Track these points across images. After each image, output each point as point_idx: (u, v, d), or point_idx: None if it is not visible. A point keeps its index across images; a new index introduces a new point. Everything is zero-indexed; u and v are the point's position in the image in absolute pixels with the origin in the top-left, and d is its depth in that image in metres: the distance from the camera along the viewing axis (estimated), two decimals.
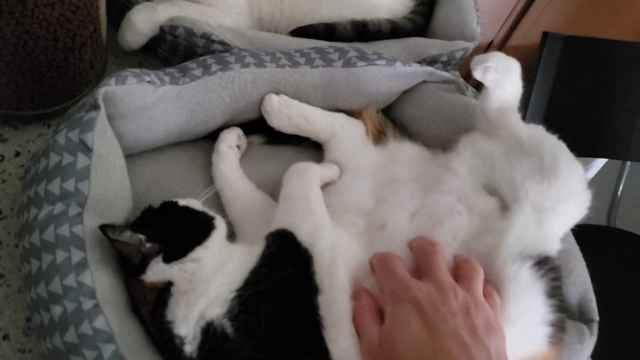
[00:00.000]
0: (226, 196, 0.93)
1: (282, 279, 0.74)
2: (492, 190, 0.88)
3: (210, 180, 0.97)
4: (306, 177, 0.87)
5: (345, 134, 1.01)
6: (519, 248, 0.78)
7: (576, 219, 0.87)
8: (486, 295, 0.72)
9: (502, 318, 0.72)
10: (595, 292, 0.92)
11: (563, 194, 0.83)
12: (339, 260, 0.75)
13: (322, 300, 0.73)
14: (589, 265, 0.94)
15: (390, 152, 0.98)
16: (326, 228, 0.79)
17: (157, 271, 0.75)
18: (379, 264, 0.74)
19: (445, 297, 0.68)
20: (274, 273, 0.74)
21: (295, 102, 1.01)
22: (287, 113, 0.99)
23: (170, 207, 0.83)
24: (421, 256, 0.75)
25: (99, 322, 0.70)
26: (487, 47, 2.54)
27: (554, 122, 0.93)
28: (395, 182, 0.91)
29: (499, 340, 0.68)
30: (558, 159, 0.84)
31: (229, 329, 0.70)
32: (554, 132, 0.91)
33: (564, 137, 0.89)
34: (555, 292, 0.79)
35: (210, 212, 0.84)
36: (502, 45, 2.93)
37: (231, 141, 0.98)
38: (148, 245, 0.76)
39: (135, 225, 0.80)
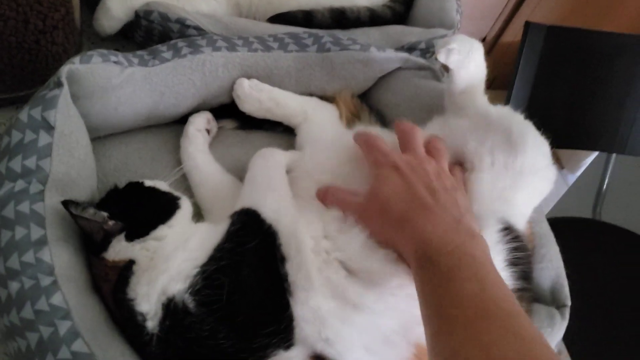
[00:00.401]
0: (194, 179, 0.93)
1: (246, 251, 0.74)
2: (457, 161, 0.88)
3: (179, 163, 0.96)
4: (270, 161, 0.89)
5: (317, 118, 1.01)
6: (484, 207, 0.80)
7: (543, 194, 0.89)
8: (452, 171, 0.83)
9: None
10: (571, 278, 0.91)
11: (528, 167, 0.84)
12: (301, 229, 0.78)
13: (290, 266, 0.74)
14: (574, 257, 0.94)
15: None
16: (289, 204, 0.82)
17: (119, 249, 0.75)
18: (365, 142, 0.84)
19: (420, 163, 0.79)
20: (238, 247, 0.75)
21: (266, 86, 1.01)
22: (258, 97, 0.99)
23: (135, 187, 0.83)
24: (402, 135, 0.85)
25: (57, 299, 0.70)
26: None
27: (536, 113, 0.92)
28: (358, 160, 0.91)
29: (464, 198, 0.78)
30: (526, 133, 0.85)
31: (190, 303, 0.70)
32: (537, 124, 0.91)
33: (547, 128, 0.89)
34: (518, 263, 0.80)
35: (176, 193, 0.84)
36: (495, 42, 2.93)
37: (200, 124, 0.98)
38: (111, 222, 0.75)
39: (100, 204, 0.80)
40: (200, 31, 1.09)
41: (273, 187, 0.84)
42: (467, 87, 0.91)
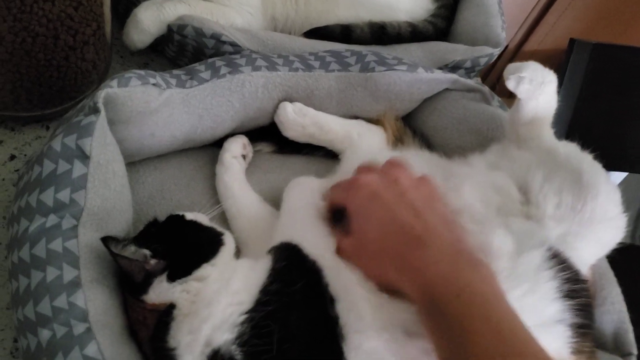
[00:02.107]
0: (230, 210, 0.88)
1: (294, 294, 0.68)
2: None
3: (214, 189, 0.91)
4: (307, 190, 0.84)
5: (363, 143, 0.95)
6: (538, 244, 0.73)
7: (610, 245, 0.81)
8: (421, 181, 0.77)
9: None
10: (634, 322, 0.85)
11: (599, 215, 0.76)
12: (347, 265, 0.72)
13: (341, 307, 0.68)
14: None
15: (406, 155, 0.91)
16: (329, 239, 0.76)
17: (160, 291, 0.69)
18: (329, 196, 0.81)
19: (391, 180, 0.74)
20: (284, 288, 0.69)
21: (311, 110, 0.95)
22: (301, 122, 0.93)
23: (176, 220, 0.77)
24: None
25: (91, 349, 0.63)
26: (503, 52, 2.47)
27: (578, 131, 0.88)
28: None
29: (442, 205, 0.74)
30: (598, 177, 0.77)
31: (238, 355, 0.64)
32: (578, 143, 0.85)
33: (588, 147, 0.84)
34: (575, 296, 0.72)
35: (219, 228, 0.78)
36: (518, 50, 2.86)
37: (236, 151, 0.92)
38: (153, 261, 0.70)
39: (139, 238, 0.74)
40: (236, 47, 1.03)
41: (311, 219, 0.79)
42: (533, 119, 0.85)
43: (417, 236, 0.68)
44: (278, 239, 0.75)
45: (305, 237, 0.75)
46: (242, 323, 0.66)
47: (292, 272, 0.71)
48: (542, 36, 2.38)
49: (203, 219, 0.79)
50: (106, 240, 0.67)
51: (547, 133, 0.86)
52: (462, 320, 0.60)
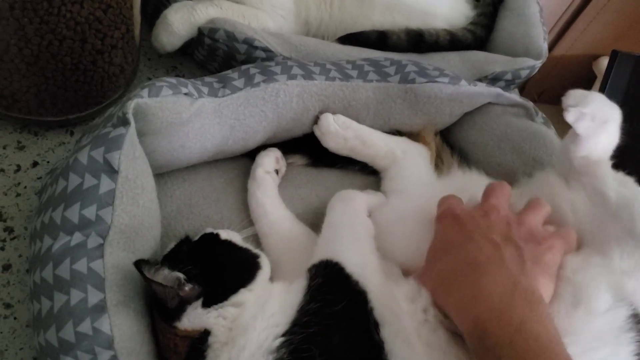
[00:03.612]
0: (262, 227, 0.83)
1: (335, 315, 0.63)
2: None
3: (245, 204, 0.86)
4: (352, 205, 0.79)
5: (408, 162, 0.90)
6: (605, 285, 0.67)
7: None
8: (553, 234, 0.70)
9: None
10: None
11: None
12: (394, 289, 0.69)
13: (387, 332, 0.63)
14: None
15: (456, 184, 0.86)
16: (375, 257, 0.72)
17: (194, 317, 0.65)
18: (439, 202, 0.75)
19: (486, 213, 0.69)
20: (325, 309, 0.64)
21: (354, 123, 0.90)
22: (343, 135, 0.89)
23: (210, 240, 0.73)
24: (485, 191, 0.75)
25: None
26: None
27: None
28: None
29: (541, 249, 0.67)
30: None
31: None
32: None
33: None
34: None
35: (255, 250, 0.74)
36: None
37: (269, 165, 0.87)
38: (187, 287, 0.65)
39: (171, 258, 0.70)
40: (269, 53, 0.99)
41: (356, 236, 0.75)
42: (590, 155, 0.77)
43: (476, 261, 0.64)
44: (318, 256, 0.70)
45: (349, 255, 0.70)
46: (279, 348, 0.61)
47: (332, 291, 0.66)
48: (571, 42, 2.32)
49: (237, 238, 0.75)
50: (139, 264, 0.62)
51: (603, 170, 0.77)
52: None
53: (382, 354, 0.62)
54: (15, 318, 0.75)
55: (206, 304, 0.65)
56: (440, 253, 0.69)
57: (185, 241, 0.72)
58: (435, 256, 0.70)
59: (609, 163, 0.78)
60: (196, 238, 0.73)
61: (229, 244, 0.73)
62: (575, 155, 0.77)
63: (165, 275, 0.64)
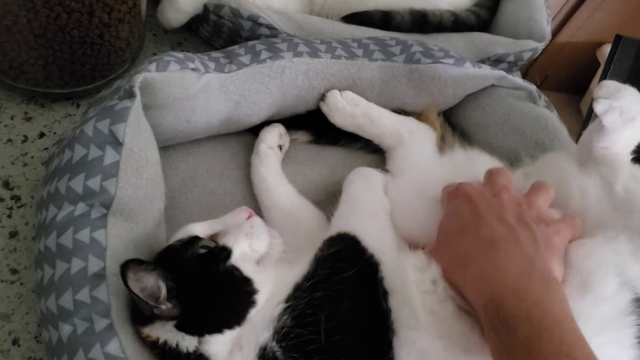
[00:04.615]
0: (264, 202, 0.84)
1: (345, 280, 0.64)
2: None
3: (248, 178, 0.87)
4: (370, 182, 0.81)
5: (413, 142, 0.90)
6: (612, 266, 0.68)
7: None
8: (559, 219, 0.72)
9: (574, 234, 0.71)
10: None
11: None
12: (403, 260, 0.69)
13: (394, 301, 0.64)
14: None
15: (458, 162, 0.87)
16: (392, 233, 0.74)
17: (160, 332, 0.63)
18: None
19: (497, 193, 0.70)
20: (334, 275, 0.64)
21: (362, 101, 0.91)
22: (352, 112, 0.90)
23: (216, 259, 0.65)
24: (486, 174, 0.76)
25: (112, 347, 0.60)
26: None
27: None
28: None
29: (549, 231, 0.67)
30: None
31: (278, 352, 0.59)
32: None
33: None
34: None
35: (255, 283, 0.66)
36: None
37: (272, 141, 0.88)
38: (164, 306, 0.61)
39: (169, 257, 0.66)
40: (273, 30, 0.99)
41: (375, 212, 0.76)
42: (610, 147, 0.77)
43: (492, 240, 0.64)
44: (335, 229, 0.71)
45: (365, 229, 0.71)
46: (281, 315, 0.61)
47: (344, 259, 0.66)
48: (575, 29, 2.31)
49: (249, 260, 0.67)
50: (126, 266, 0.58)
51: (620, 165, 0.77)
52: (530, 345, 0.55)
53: (387, 321, 0.62)
54: (21, 284, 0.76)
55: (180, 328, 0.62)
56: (455, 232, 0.69)
57: (192, 244, 0.67)
58: (448, 235, 0.70)
59: (629, 157, 0.78)
60: (206, 248, 0.66)
61: (230, 274, 0.65)
62: (596, 145, 0.77)
63: (149, 285, 0.60)
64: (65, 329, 0.61)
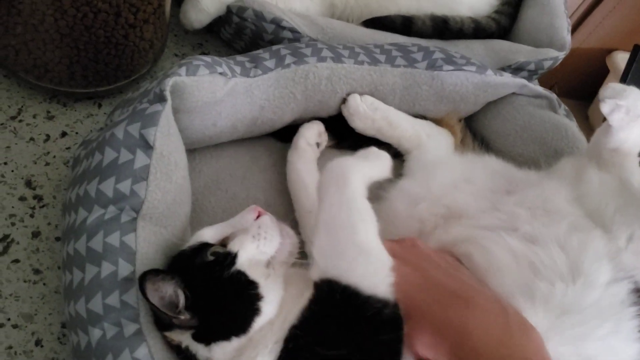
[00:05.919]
0: (299, 197, 0.83)
1: (348, 325, 0.58)
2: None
3: (270, 182, 0.87)
4: (347, 192, 0.63)
5: (431, 146, 0.91)
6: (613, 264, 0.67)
7: None
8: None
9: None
10: None
11: None
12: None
13: None
14: None
15: (470, 163, 0.87)
16: (386, 259, 0.61)
17: (181, 338, 0.63)
18: None
19: (415, 247, 0.67)
20: (334, 320, 0.59)
21: (382, 105, 0.91)
22: (371, 116, 0.90)
23: (221, 265, 0.63)
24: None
25: (141, 352, 0.60)
26: None
27: None
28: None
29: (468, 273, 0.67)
30: None
31: None
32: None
33: None
34: None
35: (262, 293, 0.63)
36: None
37: (311, 138, 0.88)
38: (183, 316, 0.61)
39: (183, 265, 0.65)
40: (296, 34, 0.99)
41: (360, 242, 0.61)
42: (619, 148, 0.79)
43: (455, 293, 0.60)
44: (318, 272, 0.61)
45: (353, 268, 0.60)
46: (288, 339, 0.59)
47: (338, 307, 0.59)
48: (585, 35, 2.31)
49: (257, 263, 0.65)
50: (144, 277, 0.58)
51: (630, 162, 0.79)
52: None
53: None
54: (44, 284, 0.76)
55: (197, 339, 0.61)
56: (401, 288, 0.61)
57: (201, 250, 0.65)
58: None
59: (637, 159, 0.79)
60: (214, 255, 0.64)
61: (236, 277, 0.62)
62: (605, 146, 0.78)
63: (167, 294, 0.60)
64: (95, 334, 0.61)
